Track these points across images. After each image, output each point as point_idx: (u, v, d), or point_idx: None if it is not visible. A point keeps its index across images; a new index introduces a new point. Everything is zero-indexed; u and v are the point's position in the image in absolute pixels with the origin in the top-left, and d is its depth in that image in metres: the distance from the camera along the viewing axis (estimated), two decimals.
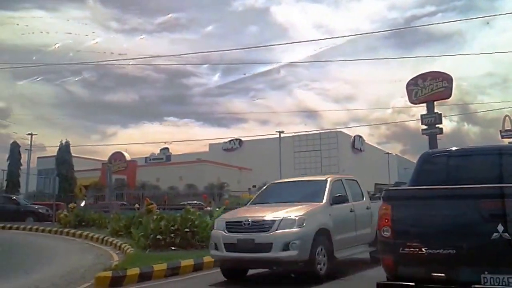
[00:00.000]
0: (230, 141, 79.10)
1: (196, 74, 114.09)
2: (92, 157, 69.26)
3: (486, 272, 4.11)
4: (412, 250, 4.38)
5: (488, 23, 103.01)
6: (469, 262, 4.24)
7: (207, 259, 9.49)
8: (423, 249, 4.35)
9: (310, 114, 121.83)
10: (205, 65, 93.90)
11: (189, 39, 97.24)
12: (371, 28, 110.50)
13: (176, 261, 8.95)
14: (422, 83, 49.21)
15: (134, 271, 7.87)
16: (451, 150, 6.15)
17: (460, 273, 4.26)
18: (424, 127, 48.78)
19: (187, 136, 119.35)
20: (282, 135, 59.00)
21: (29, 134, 53.80)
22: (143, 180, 57.35)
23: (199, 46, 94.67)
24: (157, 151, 79.75)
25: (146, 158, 77.73)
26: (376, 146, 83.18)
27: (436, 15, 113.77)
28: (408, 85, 50.78)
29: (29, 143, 53.26)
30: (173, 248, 11.25)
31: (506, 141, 50.60)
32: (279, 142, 56.81)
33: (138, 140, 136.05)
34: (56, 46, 44.55)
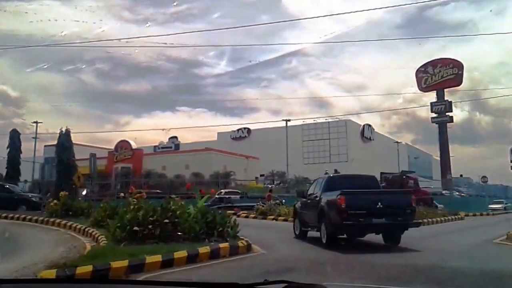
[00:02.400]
0: (238, 130, 78.40)
1: (208, 64, 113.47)
2: (99, 146, 69.10)
3: (373, 219, 11.05)
4: (352, 211, 10.88)
5: (491, 10, 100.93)
6: (369, 215, 11.02)
7: (178, 254, 8.65)
8: (356, 210, 10.91)
9: (321, 103, 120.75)
10: (215, 54, 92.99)
11: (201, 29, 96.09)
12: (383, 17, 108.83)
13: (141, 257, 8.07)
14: (432, 70, 47.90)
15: (85, 269, 6.97)
16: (342, 174, 19.54)
17: (366, 219, 11.03)
18: (434, 115, 47.50)
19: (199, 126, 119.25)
20: (290, 123, 57.92)
21: (34, 122, 53.62)
22: (149, 169, 56.85)
23: (210, 35, 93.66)
24: (166, 139, 79.52)
25: (155, 146, 77.37)
26: (386, 135, 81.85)
27: (448, 4, 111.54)
28: (417, 72, 49.47)
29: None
30: (151, 241, 10.41)
31: None
32: (285, 131, 55.71)
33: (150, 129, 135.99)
34: (63, 33, 43.96)
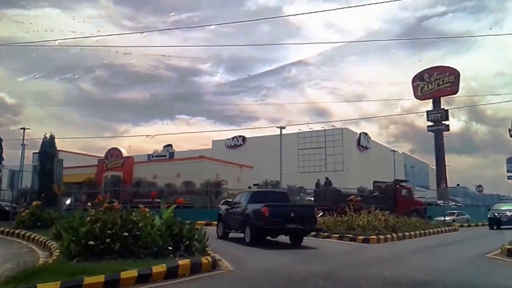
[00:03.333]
0: (233, 138, 77.32)
1: (208, 73, 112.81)
2: (92, 154, 68.16)
3: (287, 225, 14.54)
4: (273, 219, 14.27)
5: (491, 28, 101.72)
6: (284, 222, 14.48)
7: (126, 274, 7.60)
8: (276, 218, 14.32)
9: (320, 112, 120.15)
10: (215, 63, 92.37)
11: (202, 38, 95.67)
12: (382, 28, 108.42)
13: (78, 277, 7.03)
14: (428, 78, 47.03)
15: None
16: (262, 190, 24.52)
17: (283, 224, 14.48)
18: (430, 123, 46.61)
19: (198, 135, 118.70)
20: (286, 131, 56.73)
21: (21, 128, 52.42)
22: (140, 177, 55.62)
23: (211, 44, 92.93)
24: (161, 148, 78.54)
25: (149, 155, 76.21)
26: (383, 144, 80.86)
27: (446, 15, 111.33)
28: (414, 80, 48.58)
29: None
30: (109, 257, 9.38)
31: None
32: (280, 139, 54.62)
33: (148, 139, 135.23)
34: (57, 42, 43.00)
